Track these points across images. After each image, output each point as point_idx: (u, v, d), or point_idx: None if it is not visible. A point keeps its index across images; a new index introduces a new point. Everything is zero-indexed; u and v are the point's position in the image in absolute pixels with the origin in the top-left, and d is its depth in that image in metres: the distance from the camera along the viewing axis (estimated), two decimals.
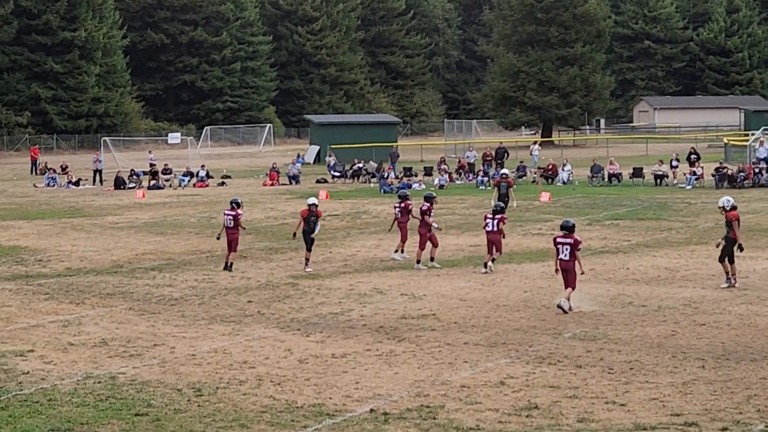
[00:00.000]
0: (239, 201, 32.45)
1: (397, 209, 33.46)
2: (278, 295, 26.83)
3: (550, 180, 63.14)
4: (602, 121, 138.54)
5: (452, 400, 16.61)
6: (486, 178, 62.67)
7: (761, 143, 60.69)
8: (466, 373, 18.34)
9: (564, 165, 64.56)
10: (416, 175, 65.67)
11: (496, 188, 44.00)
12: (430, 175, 66.62)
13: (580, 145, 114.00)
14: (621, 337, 21.18)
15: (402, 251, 32.88)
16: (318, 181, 67.53)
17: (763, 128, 65.20)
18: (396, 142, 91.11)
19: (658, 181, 60.19)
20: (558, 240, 24.41)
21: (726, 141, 78.33)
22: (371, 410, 16.09)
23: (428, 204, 31.55)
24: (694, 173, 59.14)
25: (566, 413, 15.79)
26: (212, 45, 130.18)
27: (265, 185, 65.88)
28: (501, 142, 76.50)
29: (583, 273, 24.45)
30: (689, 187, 56.50)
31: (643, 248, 34.32)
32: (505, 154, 69.87)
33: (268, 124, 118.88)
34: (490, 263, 29.71)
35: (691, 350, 19.84)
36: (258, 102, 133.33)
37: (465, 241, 37.16)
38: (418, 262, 30.75)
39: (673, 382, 17.49)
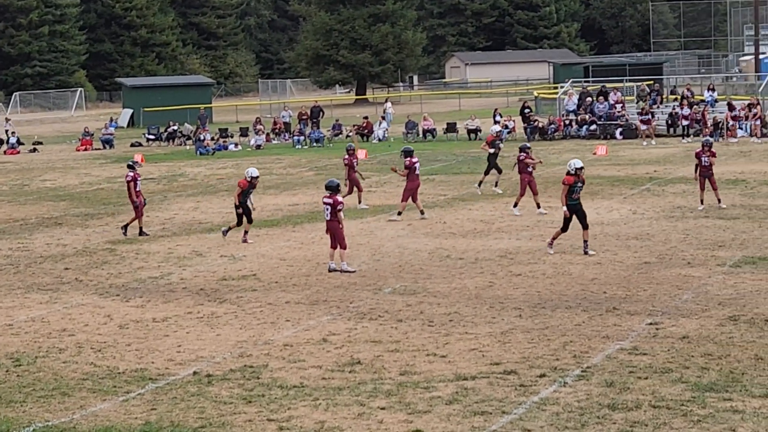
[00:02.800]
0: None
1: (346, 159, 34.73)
2: (96, 261, 26.47)
3: (365, 137, 63.47)
4: (415, 78, 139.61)
5: (275, 359, 16.68)
6: (302, 137, 62.68)
7: (570, 96, 62.05)
8: (289, 332, 18.42)
9: (380, 122, 64.98)
10: (232, 136, 65.32)
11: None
12: (246, 135, 66.32)
13: (394, 101, 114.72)
14: (440, 290, 21.52)
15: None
16: (132, 145, 66.66)
17: (571, 81, 66.62)
18: (210, 103, 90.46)
19: (472, 135, 61.08)
20: (323, 200, 24.31)
21: (536, 94, 79.82)
22: (194, 373, 16.06)
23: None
24: (507, 126, 60.14)
25: (388, 367, 16.00)
26: (18, 9, 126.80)
27: (78, 150, 64.73)
28: (316, 101, 76.56)
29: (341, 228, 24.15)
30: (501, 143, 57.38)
31: (458, 202, 34.84)
32: (321, 113, 69.96)
33: (79, 89, 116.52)
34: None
35: (508, 300, 20.28)
36: (68, 66, 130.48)
37: (283, 200, 37.18)
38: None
39: (492, 332, 17.86)
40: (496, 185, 36.54)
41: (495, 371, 15.54)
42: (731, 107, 55.71)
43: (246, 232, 28.33)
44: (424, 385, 14.96)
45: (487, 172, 36.70)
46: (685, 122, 56.13)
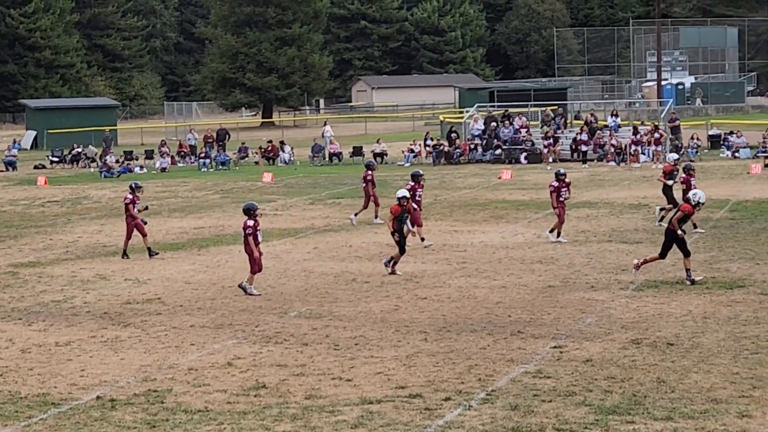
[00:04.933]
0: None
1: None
2: None
3: (271, 160, 63.35)
4: (322, 101, 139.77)
5: (180, 384, 16.55)
6: (208, 160, 62.42)
7: (475, 120, 62.48)
8: (193, 356, 18.29)
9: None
10: (137, 159, 64.83)
11: None
12: (152, 158, 65.86)
13: (300, 125, 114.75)
14: (346, 313, 21.51)
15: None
16: (36, 167, 65.85)
17: (477, 105, 67.08)
18: (115, 125, 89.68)
19: (378, 159, 61.23)
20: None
21: (442, 119, 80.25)
22: (98, 397, 15.87)
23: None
24: (412, 150, 60.43)
25: (294, 391, 15.95)
26: None
27: None
28: (221, 124, 76.23)
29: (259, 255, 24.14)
30: (407, 164, 57.62)
31: (364, 226, 34.87)
32: (227, 136, 69.70)
33: None
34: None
35: (413, 324, 20.32)
36: None
37: (189, 223, 36.96)
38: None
39: (398, 356, 17.89)
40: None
41: (400, 395, 15.56)
42: (635, 132, 56.48)
43: (395, 262, 26.01)
44: (330, 409, 14.93)
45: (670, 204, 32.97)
46: (585, 147, 56.78)
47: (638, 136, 56.14)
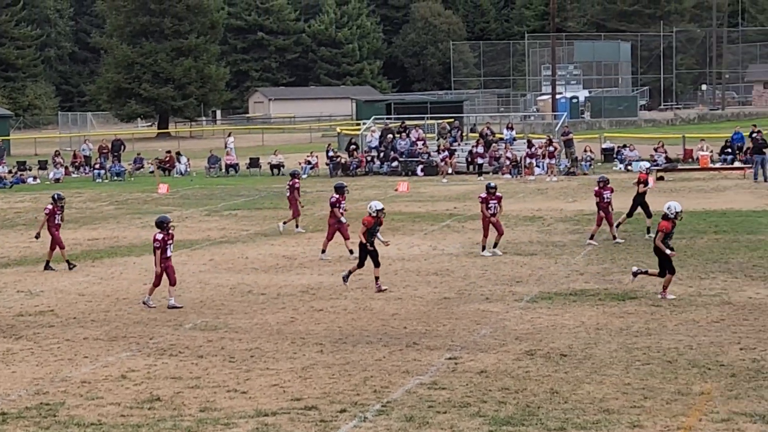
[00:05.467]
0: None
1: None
2: None
3: (167, 171, 62.91)
4: (218, 113, 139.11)
5: (73, 397, 16.35)
6: (103, 171, 61.81)
7: (372, 132, 62.64)
8: (87, 369, 18.09)
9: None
10: (30, 169, 63.96)
11: None
12: (45, 168, 65.00)
13: (196, 136, 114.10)
14: (241, 325, 21.43)
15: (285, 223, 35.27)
16: None
17: (373, 117, 67.28)
18: (8, 135, 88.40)
19: (275, 170, 61.12)
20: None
21: (339, 130, 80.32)
22: None
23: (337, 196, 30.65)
24: (309, 162, 60.40)
25: (188, 403, 15.84)
26: None
27: None
28: (117, 135, 75.53)
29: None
30: (305, 176, 57.56)
31: (261, 237, 34.79)
32: (122, 147, 69.04)
33: None
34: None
35: (309, 336, 20.31)
36: None
37: (83, 235, 36.54)
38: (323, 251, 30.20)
39: (293, 368, 17.86)
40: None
41: (296, 407, 15.53)
42: (530, 145, 57.04)
43: (377, 278, 25.11)
44: (225, 422, 14.86)
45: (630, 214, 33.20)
46: (480, 160, 57.21)
47: (533, 149, 56.71)
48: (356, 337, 20.09)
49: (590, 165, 56.61)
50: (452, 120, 64.38)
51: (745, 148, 55.69)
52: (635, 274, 23.98)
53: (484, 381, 16.75)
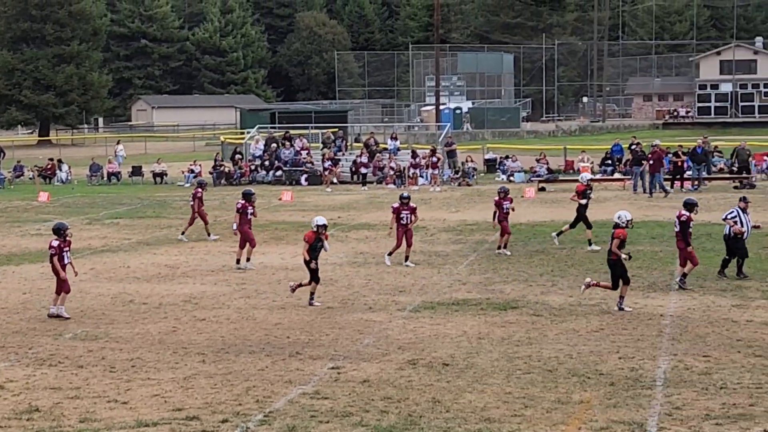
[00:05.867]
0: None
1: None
2: None
3: (48, 179, 62.05)
4: (101, 120, 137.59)
5: None
6: None
7: (256, 141, 62.44)
8: None
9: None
10: None
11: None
12: None
13: (78, 144, 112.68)
14: (122, 335, 21.20)
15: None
16: None
17: (258, 126, 67.05)
18: None
19: (158, 179, 60.63)
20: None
21: (223, 139, 79.96)
22: None
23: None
24: (193, 170, 60.02)
25: (68, 414, 15.63)
26: None
27: None
28: None
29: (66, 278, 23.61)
30: (188, 184, 57.10)
31: (143, 246, 34.46)
32: (2, 154, 67.92)
33: None
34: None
35: (192, 345, 20.17)
36: None
37: None
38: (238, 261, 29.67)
39: (175, 378, 17.72)
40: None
41: (177, 417, 15.41)
42: (414, 155, 57.33)
43: (305, 288, 24.73)
44: None
45: (574, 225, 32.84)
46: (365, 170, 57.35)
47: (417, 159, 57.01)
48: (239, 347, 20.00)
49: (473, 176, 57.05)
50: (336, 130, 64.45)
51: (624, 160, 56.62)
52: (588, 286, 23.90)
53: (367, 390, 16.79)
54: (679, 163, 50.42)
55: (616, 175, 55.58)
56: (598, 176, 56.06)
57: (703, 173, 51.74)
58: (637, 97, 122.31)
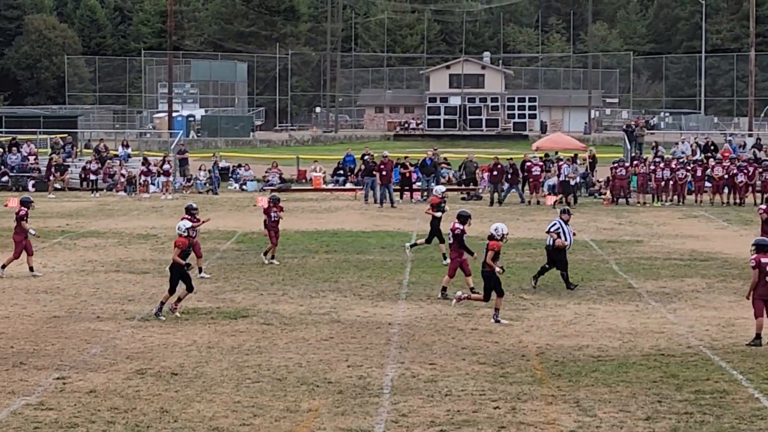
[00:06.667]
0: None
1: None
2: None
3: None
4: None
5: None
6: None
7: None
8: None
9: None
10: None
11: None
12: None
13: None
14: None
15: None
16: None
17: None
18: None
19: None
20: None
21: None
22: None
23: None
24: None
25: None
26: None
27: None
28: None
29: None
30: None
31: None
32: None
33: None
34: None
35: None
36: None
37: None
38: None
39: None
40: None
41: None
42: (145, 162, 56.63)
43: (179, 299, 23.74)
44: None
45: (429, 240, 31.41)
46: (94, 176, 56.27)
47: (149, 167, 56.30)
48: None
49: (205, 184, 56.74)
50: (66, 135, 63.04)
51: (356, 170, 57.35)
52: (459, 299, 23.71)
53: (93, 401, 16.50)
54: (407, 174, 51.37)
55: (348, 185, 56.25)
56: (330, 186, 56.67)
57: (432, 184, 52.89)
58: (369, 108, 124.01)
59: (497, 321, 22.86)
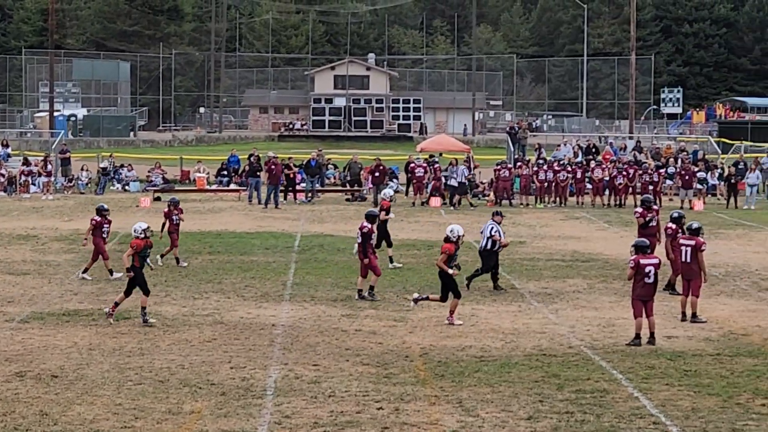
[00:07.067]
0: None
1: None
2: None
3: None
4: None
5: None
6: None
7: None
8: None
9: None
10: None
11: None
12: None
13: None
14: None
15: None
16: None
17: None
18: None
19: None
20: None
21: None
22: None
23: None
24: None
25: None
26: None
27: None
28: None
29: None
30: None
31: None
32: None
33: None
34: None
35: None
36: None
37: None
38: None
39: None
40: None
41: None
42: (26, 162, 55.82)
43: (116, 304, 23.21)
44: None
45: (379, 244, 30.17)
46: None
47: (29, 167, 55.44)
48: None
49: (87, 184, 56.08)
50: None
51: (240, 171, 57.10)
52: (416, 301, 23.62)
53: None
54: (292, 175, 51.25)
55: (232, 186, 55.98)
56: (214, 186, 56.36)
57: (317, 185, 52.91)
58: (253, 108, 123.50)
59: (451, 323, 22.83)
